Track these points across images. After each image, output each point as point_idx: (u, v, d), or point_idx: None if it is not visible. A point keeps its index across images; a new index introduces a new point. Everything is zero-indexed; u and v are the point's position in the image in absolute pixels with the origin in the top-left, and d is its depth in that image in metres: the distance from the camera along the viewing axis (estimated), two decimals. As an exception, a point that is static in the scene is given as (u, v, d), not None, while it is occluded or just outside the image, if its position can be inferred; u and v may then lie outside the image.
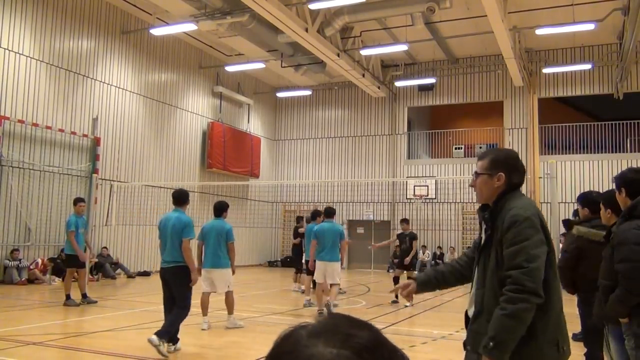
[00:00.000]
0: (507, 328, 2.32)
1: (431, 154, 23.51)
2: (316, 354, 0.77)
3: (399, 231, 12.22)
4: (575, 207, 6.43)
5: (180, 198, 6.60)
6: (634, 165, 13.25)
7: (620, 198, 3.53)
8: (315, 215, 11.00)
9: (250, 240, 21.98)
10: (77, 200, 10.21)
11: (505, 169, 2.63)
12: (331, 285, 9.32)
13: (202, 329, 7.46)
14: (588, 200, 4.99)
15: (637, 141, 19.44)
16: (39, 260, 13.57)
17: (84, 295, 9.87)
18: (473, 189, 2.72)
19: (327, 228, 9.42)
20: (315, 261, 9.45)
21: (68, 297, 9.66)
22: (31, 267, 13.40)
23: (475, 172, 2.69)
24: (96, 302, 9.95)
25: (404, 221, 11.87)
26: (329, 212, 9.78)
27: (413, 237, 11.45)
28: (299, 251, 12.41)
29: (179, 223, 6.34)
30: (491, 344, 2.32)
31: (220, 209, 7.84)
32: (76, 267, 9.87)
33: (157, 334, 5.84)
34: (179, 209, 6.55)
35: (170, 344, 6.11)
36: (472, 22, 17.18)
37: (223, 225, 7.74)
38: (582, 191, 19.77)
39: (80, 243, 9.83)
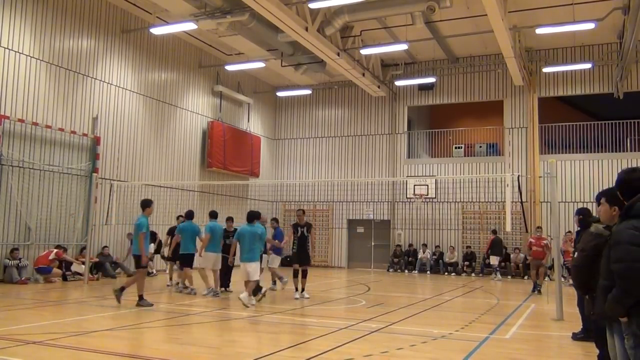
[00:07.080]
0: None
1: (431, 154, 23.51)
2: None
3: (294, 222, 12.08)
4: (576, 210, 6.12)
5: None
6: (635, 165, 13.19)
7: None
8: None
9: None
10: (150, 203, 10.14)
11: None
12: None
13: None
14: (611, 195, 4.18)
15: (637, 140, 19.44)
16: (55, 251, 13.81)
17: (141, 297, 9.77)
18: None
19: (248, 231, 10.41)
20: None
21: (141, 297, 9.65)
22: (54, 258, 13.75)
23: None
24: (152, 305, 9.75)
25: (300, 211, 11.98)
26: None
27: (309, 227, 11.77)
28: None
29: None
30: None
31: (254, 216, 10.53)
32: (142, 268, 9.88)
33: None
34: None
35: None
36: (472, 21, 17.19)
37: (257, 229, 10.41)
38: (581, 191, 19.88)
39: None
